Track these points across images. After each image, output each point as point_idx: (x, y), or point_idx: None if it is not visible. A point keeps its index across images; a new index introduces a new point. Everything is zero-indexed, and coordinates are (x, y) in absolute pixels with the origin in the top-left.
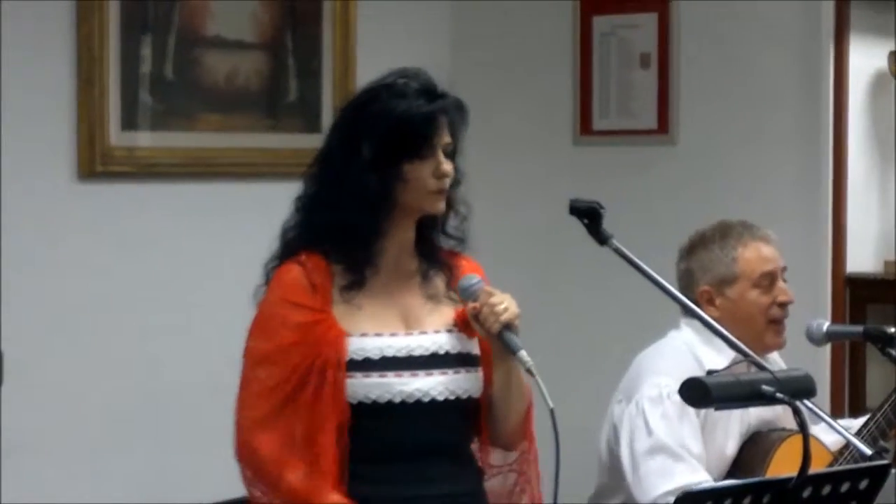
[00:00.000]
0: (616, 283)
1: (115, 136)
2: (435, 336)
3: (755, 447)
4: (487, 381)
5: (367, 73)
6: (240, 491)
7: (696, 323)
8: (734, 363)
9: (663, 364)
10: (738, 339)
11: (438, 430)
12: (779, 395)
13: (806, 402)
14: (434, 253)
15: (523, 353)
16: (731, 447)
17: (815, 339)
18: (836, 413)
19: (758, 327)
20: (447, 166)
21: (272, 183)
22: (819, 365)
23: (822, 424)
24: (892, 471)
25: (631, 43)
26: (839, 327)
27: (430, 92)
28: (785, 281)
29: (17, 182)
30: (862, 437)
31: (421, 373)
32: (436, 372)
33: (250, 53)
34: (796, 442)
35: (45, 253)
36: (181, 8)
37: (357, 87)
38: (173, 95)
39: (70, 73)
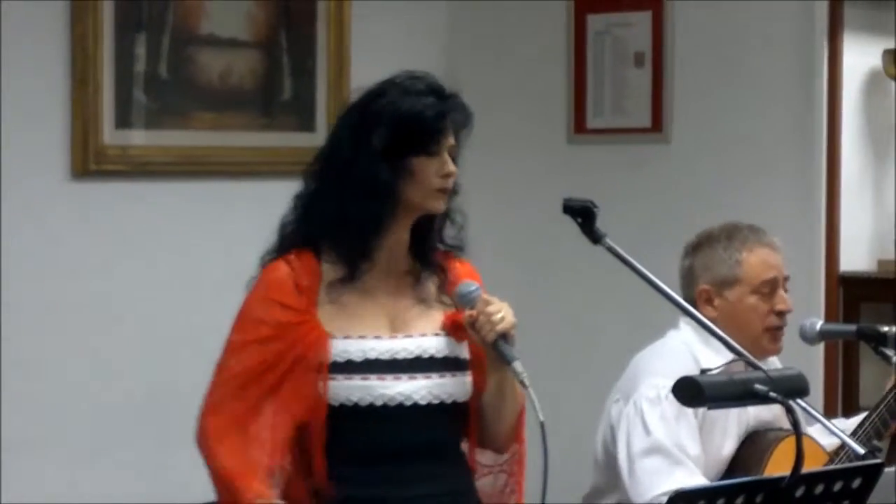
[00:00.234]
0: (611, 281)
1: (109, 134)
2: (421, 339)
3: (752, 447)
4: (479, 386)
5: (362, 72)
6: None
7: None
8: (732, 362)
9: (661, 364)
10: (733, 341)
11: (422, 432)
12: (772, 394)
13: (799, 401)
14: (427, 255)
15: (517, 364)
16: (728, 447)
17: (809, 338)
18: (830, 412)
19: (753, 333)
20: (452, 167)
21: (266, 181)
22: (812, 364)
23: (819, 425)
24: (892, 470)
25: (625, 42)
26: (833, 326)
27: (438, 92)
28: (786, 290)
29: (11, 180)
30: (857, 438)
31: (404, 376)
32: (419, 376)
33: (244, 52)
34: (793, 442)
35: (40, 251)
36: (175, 6)
37: (352, 86)
38: (167, 94)
39: (64, 71)
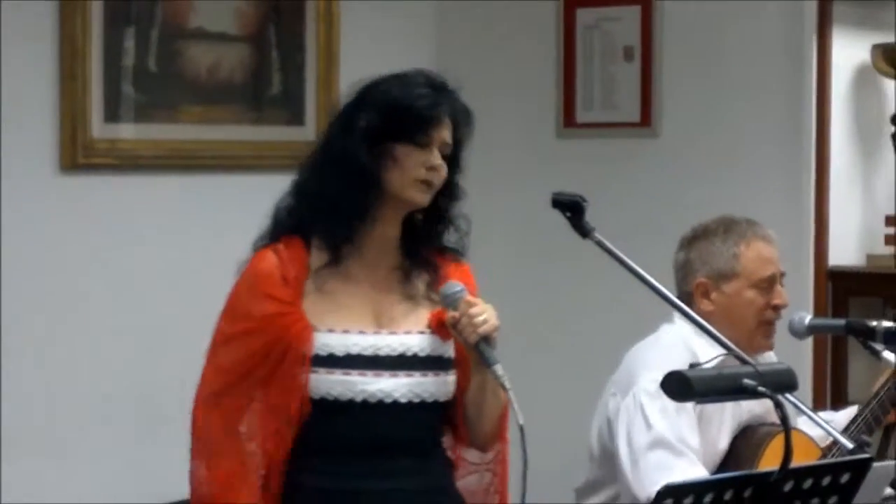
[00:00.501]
0: (600, 275)
1: (98, 128)
2: (405, 337)
3: (746, 442)
4: (463, 385)
5: (350, 68)
6: None
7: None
8: (727, 354)
9: (659, 358)
10: (727, 336)
11: (401, 429)
12: (760, 388)
13: (788, 395)
14: (418, 252)
15: (498, 367)
16: (723, 441)
17: (798, 333)
18: (819, 406)
19: (749, 327)
20: (438, 161)
21: (255, 175)
22: (801, 358)
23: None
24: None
25: (614, 36)
26: (821, 321)
27: (435, 86)
28: (782, 285)
29: (0, 175)
30: (850, 434)
31: (386, 374)
32: (401, 374)
33: (233, 46)
34: None
35: (29, 245)
36: (164, 1)
37: (341, 81)
38: (156, 88)
39: (53, 65)
